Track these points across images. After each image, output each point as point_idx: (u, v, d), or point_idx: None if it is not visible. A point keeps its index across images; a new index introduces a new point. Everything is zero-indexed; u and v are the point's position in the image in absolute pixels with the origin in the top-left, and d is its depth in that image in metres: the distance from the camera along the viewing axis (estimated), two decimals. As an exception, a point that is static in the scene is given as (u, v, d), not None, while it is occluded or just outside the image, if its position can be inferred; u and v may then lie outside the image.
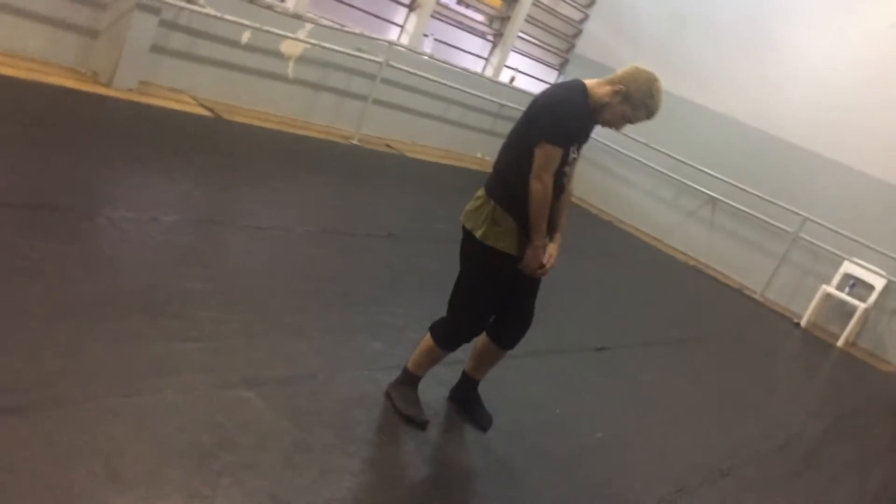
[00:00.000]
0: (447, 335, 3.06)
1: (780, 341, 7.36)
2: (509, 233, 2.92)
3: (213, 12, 6.17)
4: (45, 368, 2.51)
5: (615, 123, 2.98)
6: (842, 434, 5.20)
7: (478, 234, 2.94)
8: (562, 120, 2.87)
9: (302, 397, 2.96)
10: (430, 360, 3.13)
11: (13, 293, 2.84)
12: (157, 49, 6.21)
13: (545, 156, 2.82)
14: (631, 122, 2.95)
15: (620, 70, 2.93)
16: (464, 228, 3.02)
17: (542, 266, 2.97)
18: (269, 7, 6.76)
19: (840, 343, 7.86)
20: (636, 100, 2.89)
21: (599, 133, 9.69)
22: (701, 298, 7.63)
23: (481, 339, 3.20)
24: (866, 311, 7.94)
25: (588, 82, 2.96)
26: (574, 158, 2.99)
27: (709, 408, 4.70)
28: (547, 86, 2.90)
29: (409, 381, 3.17)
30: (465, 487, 2.86)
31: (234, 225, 4.39)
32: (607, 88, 2.91)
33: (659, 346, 5.44)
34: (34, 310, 2.79)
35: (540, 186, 2.83)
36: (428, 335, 3.11)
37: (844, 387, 6.71)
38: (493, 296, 3.03)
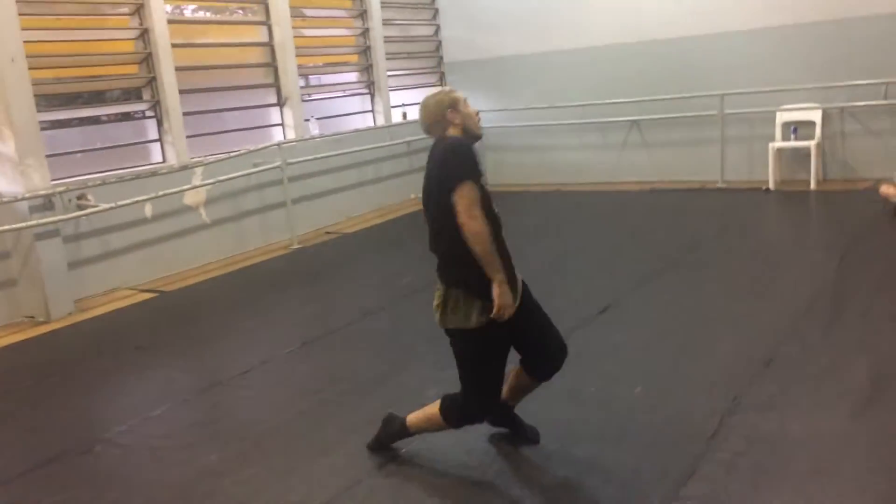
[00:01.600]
0: (460, 416, 3.05)
1: (759, 213, 7.44)
2: (477, 306, 2.88)
3: (105, 205, 6.19)
4: None
5: (478, 125, 3.11)
6: (855, 268, 5.25)
7: (452, 326, 2.93)
8: (462, 157, 2.88)
9: (356, 506, 2.94)
10: (429, 428, 3.14)
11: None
12: (74, 265, 6.22)
13: (464, 196, 2.79)
14: (469, 111, 3.07)
15: (433, 107, 3.05)
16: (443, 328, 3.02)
17: (502, 301, 2.81)
18: (155, 173, 6.81)
19: (813, 186, 7.96)
20: (454, 101, 3.03)
21: (512, 117, 9.86)
22: (672, 215, 7.69)
23: (516, 371, 3.17)
24: (818, 146, 8.06)
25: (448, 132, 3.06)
26: (497, 211, 3.01)
27: (724, 310, 4.73)
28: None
29: (399, 430, 3.21)
30: (537, 487, 2.85)
31: (222, 384, 4.37)
32: (454, 122, 3.03)
33: (654, 281, 5.47)
34: (74, 564, 2.75)
35: (473, 223, 2.78)
36: (437, 407, 3.08)
37: (837, 221, 6.78)
38: (497, 370, 2.99)
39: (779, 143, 8.19)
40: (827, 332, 4.18)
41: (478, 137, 3.10)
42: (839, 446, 3.01)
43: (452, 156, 2.89)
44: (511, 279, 2.94)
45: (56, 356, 5.21)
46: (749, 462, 2.96)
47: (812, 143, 7.97)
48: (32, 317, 5.91)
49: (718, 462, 2.97)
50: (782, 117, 8.29)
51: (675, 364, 3.98)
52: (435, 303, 3.00)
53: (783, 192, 7.99)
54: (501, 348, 2.98)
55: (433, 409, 3.10)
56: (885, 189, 6.63)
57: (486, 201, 2.91)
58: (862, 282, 4.91)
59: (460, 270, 2.89)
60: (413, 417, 3.20)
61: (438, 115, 3.03)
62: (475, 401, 3.01)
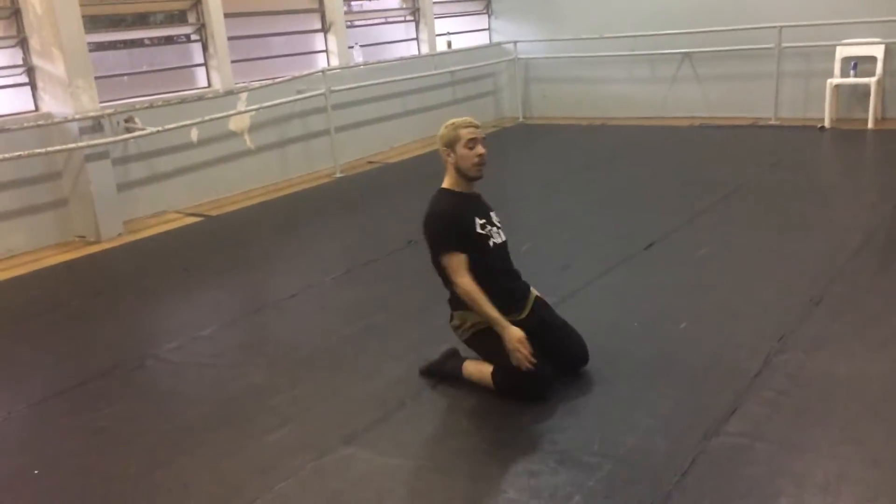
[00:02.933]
0: (504, 387, 3.12)
1: (812, 152, 7.22)
2: (476, 320, 3.17)
3: (152, 129, 6.25)
4: (164, 518, 2.59)
5: (475, 167, 3.19)
6: (911, 208, 5.10)
7: (468, 336, 3.23)
8: (437, 232, 3.18)
9: (400, 429, 3.00)
10: (479, 382, 3.19)
11: (101, 463, 2.93)
12: (123, 187, 6.32)
13: (448, 264, 3.13)
14: (475, 151, 3.16)
15: (439, 140, 3.26)
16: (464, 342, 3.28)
17: (520, 343, 3.01)
18: (200, 98, 6.82)
19: (871, 125, 7.69)
20: (454, 140, 3.16)
21: (560, 48, 9.66)
22: (722, 151, 7.51)
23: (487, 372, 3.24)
24: (879, 82, 7.75)
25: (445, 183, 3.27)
26: (497, 243, 3.23)
27: (773, 248, 4.65)
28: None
29: (452, 370, 3.29)
30: (581, 418, 2.87)
31: (269, 307, 4.45)
32: (449, 162, 3.23)
33: (702, 216, 5.38)
34: (128, 470, 2.87)
35: (460, 287, 3.09)
36: (490, 368, 3.14)
37: (893, 163, 6.55)
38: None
39: (837, 80, 7.89)
40: (878, 274, 4.09)
41: (472, 179, 3.24)
42: (886, 390, 2.98)
43: (427, 228, 3.22)
44: (513, 298, 3.22)
45: (106, 275, 5.35)
46: (793, 401, 2.95)
47: (872, 80, 7.66)
48: (83, 236, 6.05)
49: (762, 400, 2.96)
50: (842, 52, 7.96)
51: (721, 301, 3.94)
52: (453, 325, 3.30)
53: (839, 131, 7.74)
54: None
55: (488, 368, 3.15)
56: (948, 129, 6.38)
57: (480, 244, 3.16)
58: (918, 223, 4.78)
59: (458, 300, 3.20)
60: (469, 365, 3.24)
61: (441, 149, 3.24)
62: (509, 378, 3.08)
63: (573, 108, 9.83)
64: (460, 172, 3.21)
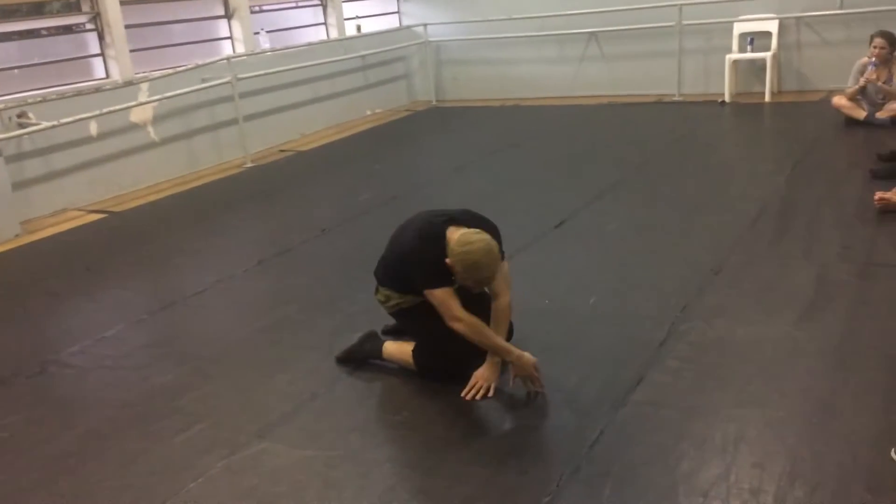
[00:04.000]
0: (423, 366, 3.12)
1: (713, 126, 7.48)
2: (403, 299, 3.15)
3: (48, 124, 5.98)
4: (69, 528, 2.50)
5: (469, 288, 2.94)
6: (805, 178, 5.33)
7: (394, 308, 3.18)
8: (428, 270, 2.90)
9: (314, 420, 2.98)
10: (399, 361, 3.20)
11: (5, 474, 2.80)
12: (18, 185, 6.03)
13: (438, 300, 2.90)
14: (474, 289, 2.92)
15: (457, 235, 2.88)
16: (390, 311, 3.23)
17: (534, 368, 2.91)
18: (98, 89, 6.56)
19: (768, 98, 8.00)
20: (465, 275, 2.83)
21: (469, 30, 9.64)
22: (628, 129, 7.69)
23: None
24: (774, 57, 8.07)
25: (449, 232, 2.93)
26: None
27: (676, 222, 4.79)
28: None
29: (372, 350, 3.29)
30: (496, 402, 2.91)
31: (176, 303, 4.33)
32: (453, 257, 2.84)
33: (609, 194, 5.50)
34: (32, 481, 2.76)
35: (460, 324, 2.88)
36: (411, 346, 3.14)
37: (789, 133, 6.84)
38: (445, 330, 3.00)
39: (735, 55, 8.17)
40: (774, 241, 4.27)
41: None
42: (783, 351, 3.12)
43: (418, 263, 2.95)
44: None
45: (3, 279, 5.10)
46: (696, 367, 3.06)
47: (768, 55, 7.96)
48: (-23, 240, 5.76)
49: (666, 368, 3.06)
50: (739, 28, 8.24)
51: (628, 275, 4.05)
52: (378, 299, 3.25)
53: (738, 105, 8.03)
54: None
55: (409, 347, 3.15)
56: (838, 100, 6.69)
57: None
58: (809, 192, 5.00)
59: (384, 274, 3.19)
60: (390, 345, 3.23)
61: (455, 266, 2.84)
62: (430, 358, 3.10)
63: (485, 91, 9.88)
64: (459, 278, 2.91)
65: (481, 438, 2.74)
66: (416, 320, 3.16)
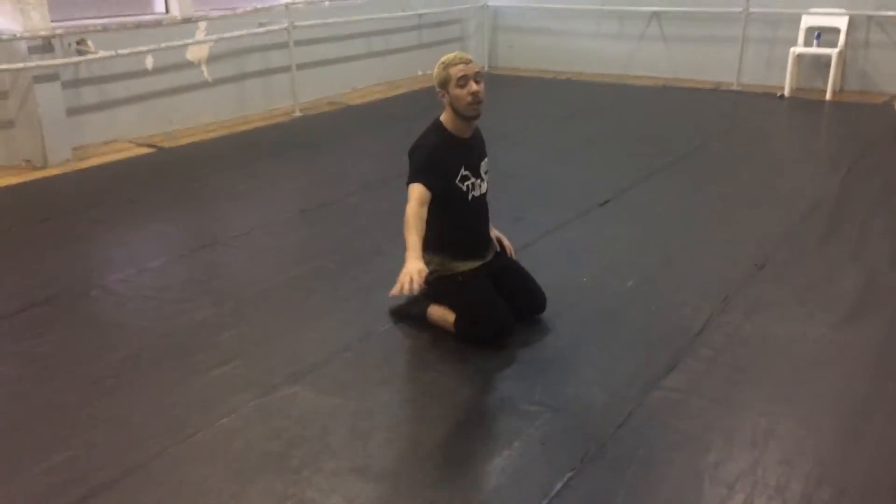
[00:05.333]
0: (463, 333, 3.16)
1: (770, 119, 7.31)
2: (444, 263, 3.20)
3: (106, 53, 6.04)
4: (102, 446, 2.57)
5: (469, 106, 3.06)
6: (859, 181, 5.21)
7: (432, 277, 3.11)
8: (416, 162, 3.09)
9: (345, 370, 3.02)
10: (442, 326, 3.23)
11: (40, 391, 2.89)
12: (73, 111, 6.12)
13: (410, 191, 3.03)
14: (467, 89, 3.02)
15: (434, 77, 3.13)
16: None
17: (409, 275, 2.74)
18: (157, 24, 6.59)
19: (829, 96, 7.80)
20: (445, 80, 3.04)
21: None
22: (683, 113, 7.56)
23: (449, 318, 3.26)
24: (840, 54, 7.84)
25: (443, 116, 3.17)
26: (475, 196, 3.20)
27: (726, 212, 4.72)
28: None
29: (418, 313, 3.31)
30: (524, 368, 2.92)
31: (218, 243, 4.40)
32: (444, 102, 3.12)
33: (659, 175, 5.43)
34: (69, 400, 2.84)
35: (407, 209, 2.97)
36: (453, 321, 3.17)
37: (847, 134, 6.68)
38: (485, 295, 3.16)
39: (800, 49, 7.96)
40: (822, 241, 4.19)
41: (470, 118, 3.13)
42: (820, 353, 3.08)
43: (411, 155, 3.13)
44: (476, 249, 3.26)
45: (52, 202, 5.20)
46: (730, 360, 3.03)
47: (834, 51, 7.74)
48: (29, 160, 5.87)
49: (701, 357, 3.04)
50: (807, 21, 8.01)
51: (670, 261, 4.01)
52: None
53: (798, 100, 7.84)
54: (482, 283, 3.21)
55: (452, 315, 3.17)
56: (902, 105, 6.50)
57: (456, 193, 3.13)
58: (863, 196, 4.89)
59: (429, 240, 3.09)
60: (435, 310, 3.25)
61: (436, 89, 3.12)
62: (471, 327, 3.14)
63: (539, 61, 9.77)
64: (456, 112, 3.09)
65: (508, 406, 2.75)
66: (455, 291, 3.18)
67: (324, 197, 5.10)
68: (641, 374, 2.93)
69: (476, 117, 3.13)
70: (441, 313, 3.22)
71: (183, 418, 2.71)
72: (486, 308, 3.13)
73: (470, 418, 2.69)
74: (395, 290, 2.69)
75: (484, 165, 3.27)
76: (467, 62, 3.04)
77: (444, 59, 3.08)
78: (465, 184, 3.16)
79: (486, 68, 9.95)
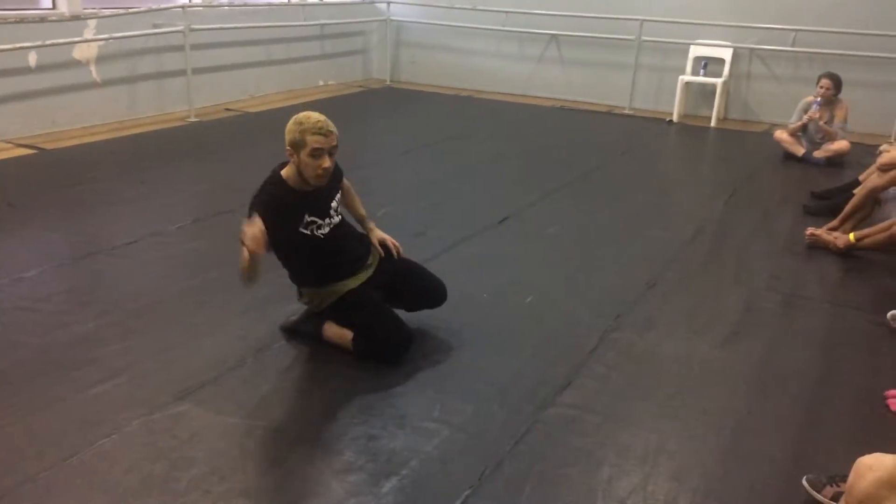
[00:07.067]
0: (364, 350, 3.11)
1: (660, 143, 7.63)
2: (322, 292, 3.14)
3: (-16, 47, 5.67)
4: (-33, 473, 2.38)
5: (316, 178, 2.90)
6: (741, 205, 5.49)
7: (323, 308, 3.16)
8: (260, 194, 2.93)
9: (237, 388, 2.92)
10: (339, 344, 3.17)
11: None
12: (-56, 108, 5.71)
13: (248, 222, 2.74)
14: (318, 163, 2.86)
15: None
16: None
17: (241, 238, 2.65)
18: (43, 19, 6.25)
19: (713, 123, 8.21)
20: (299, 144, 2.85)
21: (434, 14, 9.55)
22: (578, 135, 7.78)
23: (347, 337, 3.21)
24: (725, 84, 8.28)
25: (285, 171, 2.98)
26: (326, 234, 3.03)
27: (616, 231, 4.87)
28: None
29: (313, 330, 3.24)
30: (423, 384, 2.90)
31: (102, 252, 4.18)
32: (292, 160, 2.93)
33: (557, 194, 5.56)
34: (-70, 422, 2.62)
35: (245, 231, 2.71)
36: (351, 334, 3.11)
37: (731, 159, 7.04)
38: (377, 310, 3.13)
39: (688, 77, 8.35)
40: (707, 262, 4.38)
41: (314, 186, 2.94)
42: (707, 370, 3.21)
43: (259, 190, 2.97)
44: (353, 267, 3.17)
45: (-82, 204, 4.82)
46: (623, 376, 3.11)
47: (719, 81, 8.17)
48: None
49: (595, 375, 3.11)
50: (695, 51, 8.42)
51: (566, 278, 4.09)
52: (304, 301, 3.26)
53: (685, 125, 8.22)
54: (371, 296, 3.17)
55: (349, 333, 3.12)
56: (779, 134, 6.90)
57: (303, 238, 2.98)
58: (746, 219, 5.15)
59: (300, 277, 3.20)
60: (330, 327, 3.18)
61: (286, 145, 2.92)
62: (369, 344, 3.10)
63: (441, 77, 9.86)
64: (300, 175, 2.93)
65: (406, 423, 2.72)
66: (346, 310, 3.13)
67: (219, 205, 4.94)
68: (539, 390, 2.96)
69: (317, 187, 2.96)
70: (337, 330, 3.17)
71: (58, 439, 2.54)
72: (380, 324, 3.10)
73: (366, 436, 2.64)
74: (242, 265, 2.65)
75: (335, 203, 3.10)
76: (327, 134, 2.83)
77: (302, 119, 2.84)
78: (311, 227, 3.01)
79: (388, 82, 9.96)
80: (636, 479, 2.49)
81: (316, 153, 2.84)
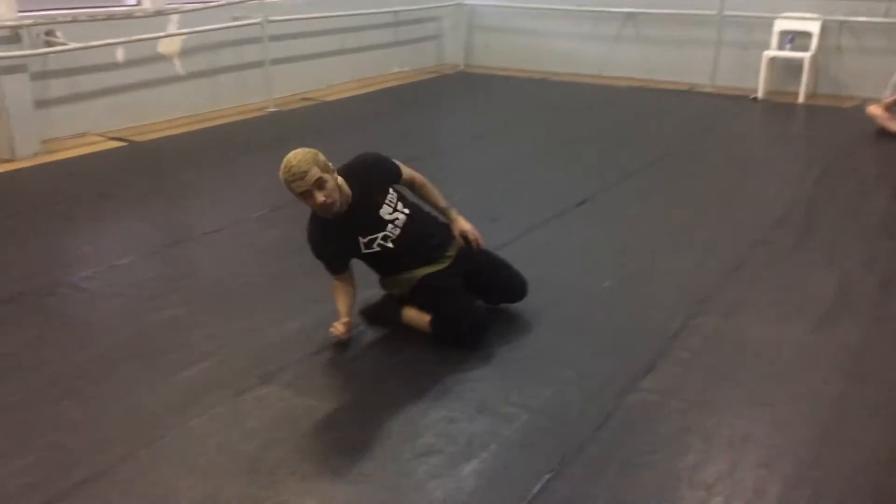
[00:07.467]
0: (441, 334, 3.12)
1: (744, 122, 7.37)
2: (403, 280, 3.19)
3: (75, 45, 5.91)
4: (68, 449, 2.50)
5: (324, 212, 2.96)
6: (832, 184, 5.26)
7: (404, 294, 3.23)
8: (308, 240, 3.13)
9: (319, 371, 2.98)
10: (417, 326, 3.19)
11: (6, 390, 2.81)
12: (41, 104, 5.99)
13: None
14: (313, 201, 2.90)
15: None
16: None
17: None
18: (128, 16, 6.48)
19: (801, 99, 7.88)
20: (294, 195, 2.92)
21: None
22: (658, 115, 7.59)
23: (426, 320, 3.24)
24: (813, 58, 7.93)
25: None
26: (396, 236, 3.08)
27: (699, 214, 4.74)
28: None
29: (392, 315, 3.27)
30: (501, 369, 2.90)
31: (190, 240, 4.32)
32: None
33: (636, 177, 5.44)
34: (33, 401, 2.76)
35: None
36: (428, 322, 3.13)
37: (820, 137, 6.75)
38: (457, 296, 3.14)
39: (773, 52, 8.03)
40: (797, 244, 4.22)
41: (344, 211, 3.01)
42: (797, 354, 3.09)
43: (307, 230, 3.13)
44: (431, 257, 3.19)
45: (19, 195, 5.08)
46: (707, 362, 3.03)
47: (807, 55, 7.83)
48: (-4, 154, 5.73)
49: (678, 360, 3.03)
50: (780, 25, 8.08)
51: (646, 262, 4.01)
52: (385, 288, 3.34)
53: (771, 102, 7.91)
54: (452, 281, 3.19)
55: (427, 316, 3.14)
56: (873, 109, 6.58)
57: (372, 254, 3.11)
58: (837, 198, 4.93)
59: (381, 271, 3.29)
60: (409, 311, 3.21)
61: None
62: (447, 328, 3.11)
63: (515, 60, 9.76)
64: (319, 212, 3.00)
65: (485, 407, 2.72)
66: (425, 294, 3.15)
67: (298, 194, 5.02)
68: (619, 376, 2.91)
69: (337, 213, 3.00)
70: (416, 315, 3.19)
71: (152, 420, 2.64)
72: (458, 308, 3.10)
73: (446, 419, 2.65)
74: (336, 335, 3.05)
75: (388, 209, 3.09)
76: (302, 176, 2.81)
77: (281, 172, 2.86)
78: (373, 245, 3.08)
79: (461, 67, 9.93)
80: (723, 466, 2.42)
81: (305, 196, 2.88)
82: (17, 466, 2.41)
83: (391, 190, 3.15)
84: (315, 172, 2.84)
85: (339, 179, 2.98)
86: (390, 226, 3.09)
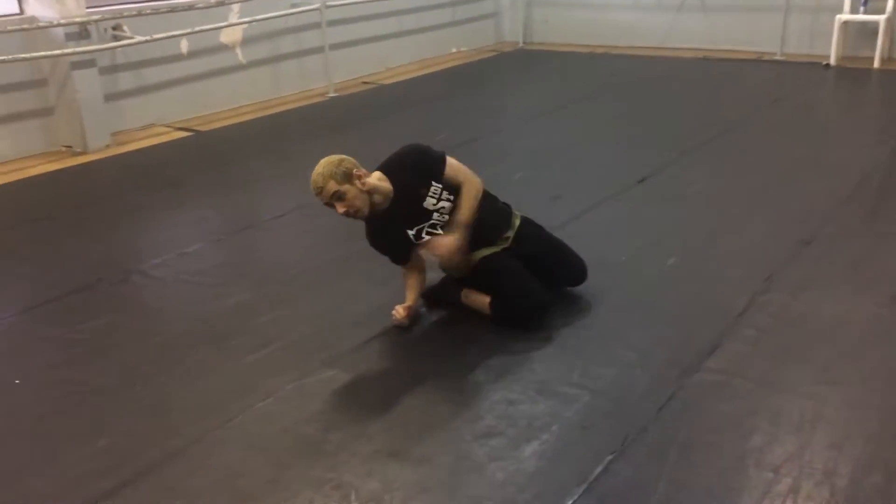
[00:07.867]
0: (500, 314, 3.12)
1: (815, 90, 7.09)
2: (463, 263, 3.18)
3: (141, 38, 6.07)
4: (142, 431, 2.60)
5: (360, 213, 3.04)
6: (909, 151, 5.03)
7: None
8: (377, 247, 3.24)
9: (381, 354, 3.01)
10: (477, 308, 3.19)
11: (82, 375, 2.93)
12: (111, 97, 6.18)
13: None
14: (337, 211, 3.03)
15: None
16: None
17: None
18: (191, 7, 6.61)
19: (877, 64, 7.53)
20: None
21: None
22: (724, 86, 7.37)
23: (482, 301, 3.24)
24: (889, 20, 7.56)
25: None
26: (428, 234, 3.10)
27: (767, 187, 4.59)
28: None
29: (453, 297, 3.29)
30: (561, 350, 2.88)
31: (257, 225, 4.41)
32: None
33: (700, 151, 5.31)
34: (109, 385, 2.88)
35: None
36: (488, 303, 3.13)
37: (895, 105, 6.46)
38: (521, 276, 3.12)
39: (846, 16, 7.68)
40: (870, 218, 4.05)
41: (386, 204, 3.10)
42: (870, 332, 2.98)
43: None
44: (493, 235, 3.20)
45: (92, 187, 5.27)
46: (775, 341, 2.95)
47: (882, 18, 7.46)
48: (70, 146, 5.95)
49: (744, 338, 2.96)
50: (854, -13, 7.73)
51: (711, 238, 3.91)
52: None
53: (844, 69, 7.59)
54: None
55: (487, 297, 3.14)
56: (955, 72, 6.24)
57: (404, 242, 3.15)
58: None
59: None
60: (469, 292, 3.22)
61: None
62: (507, 310, 3.11)
63: (575, 35, 9.59)
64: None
65: (546, 388, 2.71)
66: (485, 273, 3.15)
67: (359, 178, 5.06)
68: (683, 355, 2.86)
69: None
70: (476, 296, 3.19)
71: (221, 403, 2.72)
72: (518, 288, 3.08)
73: (506, 401, 2.65)
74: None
75: (430, 198, 3.08)
76: (319, 192, 2.96)
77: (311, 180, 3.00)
78: (424, 233, 3.10)
79: (520, 44, 9.82)
80: (791, 447, 2.36)
81: (329, 207, 3.03)
82: (93, 449, 2.52)
83: (433, 183, 3.12)
84: (331, 187, 2.94)
85: (371, 180, 3.03)
86: (436, 214, 3.10)
